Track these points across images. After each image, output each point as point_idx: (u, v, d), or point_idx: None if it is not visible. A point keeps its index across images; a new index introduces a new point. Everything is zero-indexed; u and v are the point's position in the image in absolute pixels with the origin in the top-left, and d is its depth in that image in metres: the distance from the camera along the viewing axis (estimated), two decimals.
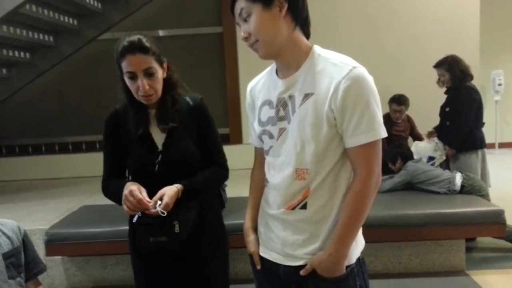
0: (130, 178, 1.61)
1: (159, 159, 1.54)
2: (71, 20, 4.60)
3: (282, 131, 1.25)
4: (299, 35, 1.23)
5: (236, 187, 2.86)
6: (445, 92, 3.75)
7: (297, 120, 1.21)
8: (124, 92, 1.56)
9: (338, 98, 1.15)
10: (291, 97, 1.23)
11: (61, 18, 4.41)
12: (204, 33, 5.27)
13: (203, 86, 5.22)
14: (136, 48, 1.45)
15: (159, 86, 1.52)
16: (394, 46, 4.91)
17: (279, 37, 1.19)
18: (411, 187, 3.34)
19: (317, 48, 1.25)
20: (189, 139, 1.57)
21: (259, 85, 1.36)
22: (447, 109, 3.66)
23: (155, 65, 1.49)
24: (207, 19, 5.23)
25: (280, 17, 1.18)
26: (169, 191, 1.46)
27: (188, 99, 1.62)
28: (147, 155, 1.55)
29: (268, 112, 1.29)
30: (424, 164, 3.46)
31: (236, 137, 4.97)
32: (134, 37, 1.47)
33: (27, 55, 4.59)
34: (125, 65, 1.46)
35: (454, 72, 3.56)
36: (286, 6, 1.18)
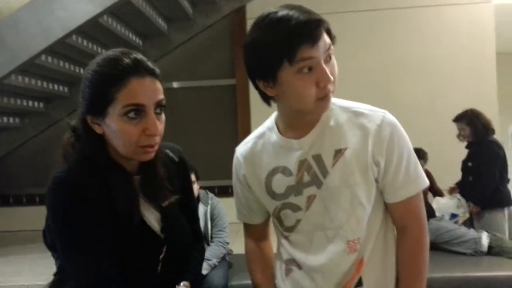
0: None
1: (163, 254, 1.03)
2: None
3: (311, 199, 1.03)
4: None
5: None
6: (466, 147, 3.63)
7: (335, 182, 1.00)
8: (93, 146, 0.98)
9: (384, 148, 1.00)
10: (316, 157, 1.02)
11: (76, 70, 4.48)
12: (217, 85, 5.31)
13: (215, 137, 5.25)
14: (145, 69, 0.94)
15: (163, 132, 1.00)
16: (408, 101, 4.85)
17: None
18: (433, 247, 3.11)
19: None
20: (180, 211, 1.11)
21: (256, 151, 1.09)
22: (470, 164, 3.52)
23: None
24: (220, 71, 5.28)
25: None
26: None
27: (169, 152, 1.13)
28: (147, 249, 1.02)
29: (284, 181, 1.04)
30: (447, 222, 3.27)
31: None
32: (136, 55, 0.96)
33: (41, 104, 4.63)
34: (126, 95, 0.92)
35: (475, 126, 3.47)
36: None
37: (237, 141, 1.17)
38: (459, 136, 3.61)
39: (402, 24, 5.00)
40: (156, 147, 0.98)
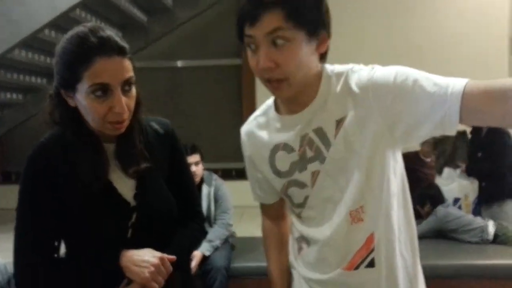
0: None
1: (133, 219, 1.05)
2: None
3: (316, 175, 1.00)
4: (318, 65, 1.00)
5: (248, 226, 2.68)
6: (471, 132, 3.59)
7: (340, 152, 0.97)
8: (65, 118, 1.03)
9: (372, 95, 0.92)
10: (317, 130, 0.98)
11: None
12: (222, 64, 5.22)
13: (219, 119, 5.19)
14: (112, 48, 0.96)
15: (133, 107, 1.03)
16: None
17: (308, 77, 0.95)
18: (441, 234, 3.11)
19: (327, 66, 1.02)
20: (163, 181, 1.13)
21: (257, 129, 1.09)
22: (480, 154, 3.47)
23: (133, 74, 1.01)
24: (226, 51, 5.19)
25: (314, 53, 0.94)
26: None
27: (154, 124, 1.15)
28: (115, 216, 1.04)
29: (287, 158, 1.02)
30: (454, 209, 3.25)
31: None
32: (103, 33, 0.97)
33: (44, 81, 4.57)
34: (92, 74, 0.95)
35: None
36: (328, 43, 0.95)
37: (242, 124, 1.15)
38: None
39: (415, 8, 4.88)
40: (126, 123, 1.02)
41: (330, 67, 1.01)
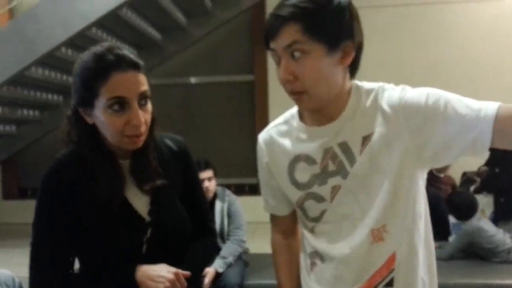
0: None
1: (148, 235, 1.07)
2: None
3: (336, 190, 0.98)
4: (348, 80, 1.00)
5: (261, 242, 2.65)
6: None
7: (364, 169, 0.96)
8: (82, 135, 1.05)
9: (402, 115, 0.93)
10: (342, 144, 0.97)
11: None
12: (235, 81, 5.26)
13: (232, 134, 5.20)
14: (127, 63, 0.99)
15: (150, 121, 1.06)
16: None
17: (332, 90, 0.95)
18: (474, 253, 2.96)
19: (357, 82, 1.02)
20: (177, 198, 1.15)
21: (278, 137, 1.07)
22: (497, 170, 3.42)
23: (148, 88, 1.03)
24: (239, 67, 5.23)
25: (339, 66, 0.93)
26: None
27: (168, 141, 1.17)
28: (130, 231, 1.06)
29: (308, 170, 1.01)
30: (487, 224, 3.02)
31: None
32: (119, 51, 1.00)
33: (60, 98, 4.64)
34: (109, 89, 0.98)
35: None
36: (353, 54, 0.94)
37: (255, 139, 1.15)
38: None
39: (430, 23, 4.84)
40: (143, 137, 1.04)
41: (360, 83, 1.02)
